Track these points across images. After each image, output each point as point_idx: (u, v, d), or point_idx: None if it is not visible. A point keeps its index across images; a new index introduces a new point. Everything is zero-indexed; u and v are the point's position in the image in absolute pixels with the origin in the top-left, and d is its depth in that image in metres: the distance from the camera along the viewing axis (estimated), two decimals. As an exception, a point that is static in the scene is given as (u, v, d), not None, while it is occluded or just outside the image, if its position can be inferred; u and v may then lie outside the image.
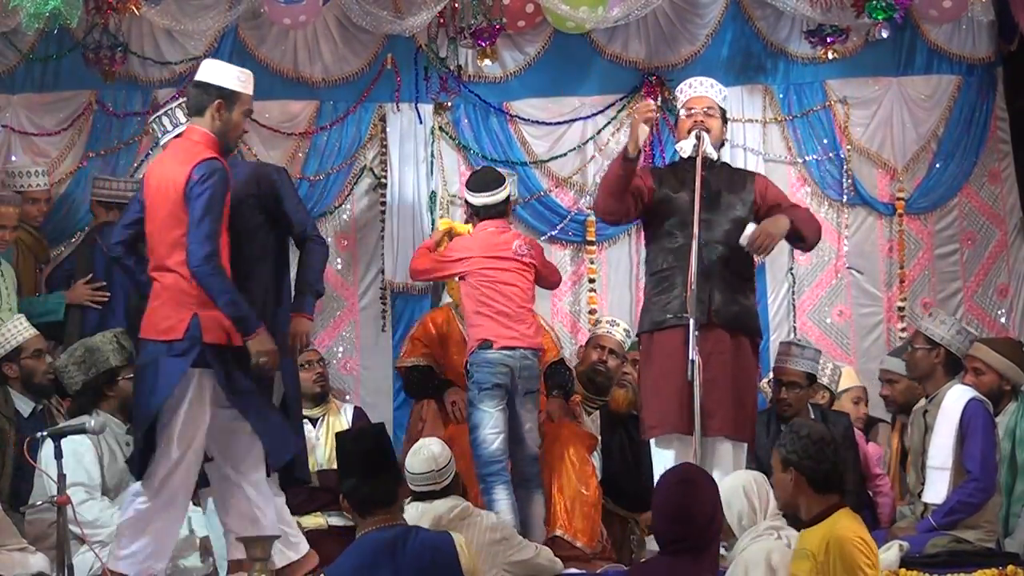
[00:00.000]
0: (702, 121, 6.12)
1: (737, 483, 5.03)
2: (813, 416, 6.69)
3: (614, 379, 7.06)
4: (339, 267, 8.04)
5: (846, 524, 4.61)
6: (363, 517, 4.58)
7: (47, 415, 6.45)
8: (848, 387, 7.35)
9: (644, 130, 6.00)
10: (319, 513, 6.45)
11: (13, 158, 7.72)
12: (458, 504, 5.39)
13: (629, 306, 8.17)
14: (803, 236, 6.21)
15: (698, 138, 6.03)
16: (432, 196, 8.11)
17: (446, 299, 7.42)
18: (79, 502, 5.64)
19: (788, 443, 4.65)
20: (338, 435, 4.91)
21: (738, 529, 4.94)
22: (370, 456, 4.60)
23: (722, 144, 6.29)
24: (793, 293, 8.24)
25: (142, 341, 5.44)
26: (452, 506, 5.34)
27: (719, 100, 6.25)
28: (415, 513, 5.31)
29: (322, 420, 6.82)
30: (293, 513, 6.14)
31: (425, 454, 5.48)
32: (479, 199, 6.51)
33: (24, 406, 6.41)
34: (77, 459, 5.82)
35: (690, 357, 5.76)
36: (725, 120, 6.31)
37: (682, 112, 6.26)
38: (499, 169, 7.00)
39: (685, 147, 6.10)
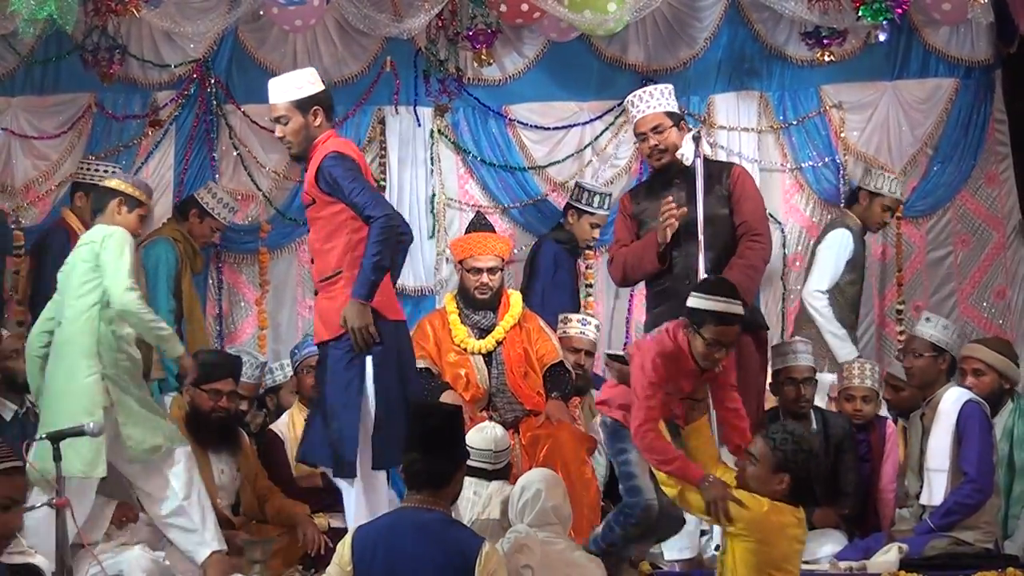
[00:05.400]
0: (656, 144, 6.10)
1: (518, 484, 5.34)
2: (814, 418, 6.68)
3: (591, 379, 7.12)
4: (338, 269, 8.04)
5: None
6: (412, 491, 4.63)
7: (30, 416, 6.42)
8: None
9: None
10: (322, 514, 6.46)
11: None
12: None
13: (625, 310, 8.21)
14: None
15: (695, 139, 6.00)
16: (431, 199, 8.13)
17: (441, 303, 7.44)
18: None
19: (784, 444, 4.75)
20: (413, 406, 4.95)
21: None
22: (434, 435, 4.64)
23: (701, 143, 6.16)
24: (784, 300, 8.24)
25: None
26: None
27: (664, 107, 6.14)
28: (479, 490, 5.65)
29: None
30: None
31: (488, 434, 5.83)
32: None
33: (5, 411, 6.37)
34: None
35: None
36: (678, 120, 6.20)
37: (637, 138, 6.25)
38: None
39: (687, 153, 6.03)
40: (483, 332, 6.73)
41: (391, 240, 5.57)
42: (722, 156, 7.99)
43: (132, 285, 5.82)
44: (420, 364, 6.73)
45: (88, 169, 7.43)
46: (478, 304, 6.76)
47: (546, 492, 5.21)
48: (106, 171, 7.37)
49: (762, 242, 6.10)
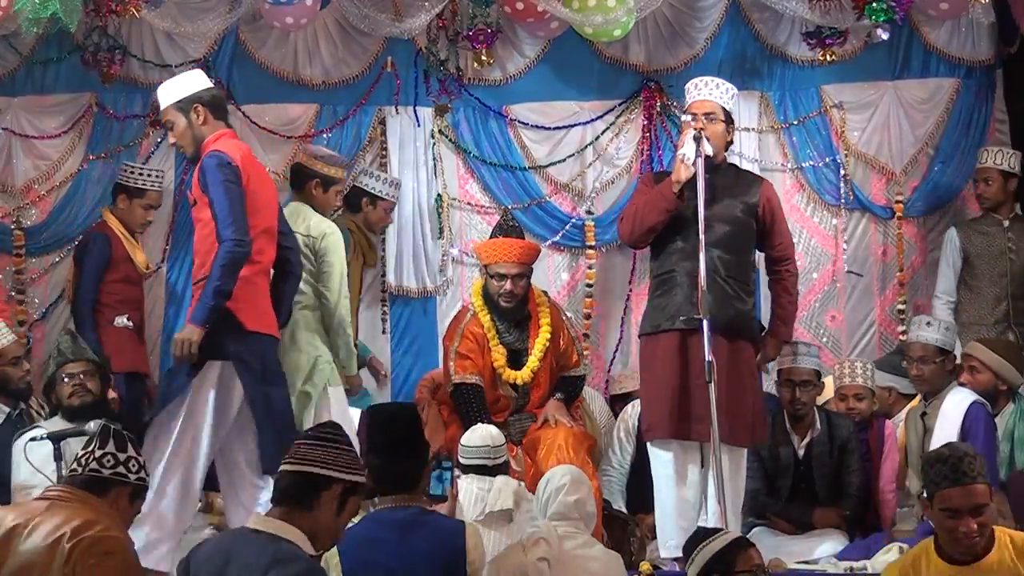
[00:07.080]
0: (702, 128, 6.07)
1: (545, 477, 5.38)
2: (819, 419, 6.67)
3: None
4: (339, 270, 8.03)
5: None
6: (382, 495, 4.74)
7: (25, 418, 6.42)
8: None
9: (689, 161, 5.94)
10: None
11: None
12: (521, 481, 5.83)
13: (624, 310, 8.18)
14: None
15: (696, 140, 6.00)
16: (438, 199, 8.11)
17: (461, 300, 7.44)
18: None
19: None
20: (371, 411, 5.00)
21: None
22: (399, 442, 4.75)
23: (728, 146, 6.28)
24: (784, 299, 8.22)
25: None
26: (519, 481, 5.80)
27: (724, 102, 6.18)
28: (483, 485, 5.68)
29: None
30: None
31: (483, 431, 5.91)
32: None
33: None
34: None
35: (706, 358, 5.73)
36: (731, 121, 6.27)
37: (687, 116, 6.19)
38: None
39: (688, 152, 6.03)
40: (514, 354, 6.65)
41: (236, 267, 5.55)
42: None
43: None
44: (472, 379, 6.55)
45: (131, 173, 7.43)
46: (506, 314, 6.65)
47: (570, 487, 5.24)
48: (149, 175, 7.39)
49: (795, 269, 6.40)
